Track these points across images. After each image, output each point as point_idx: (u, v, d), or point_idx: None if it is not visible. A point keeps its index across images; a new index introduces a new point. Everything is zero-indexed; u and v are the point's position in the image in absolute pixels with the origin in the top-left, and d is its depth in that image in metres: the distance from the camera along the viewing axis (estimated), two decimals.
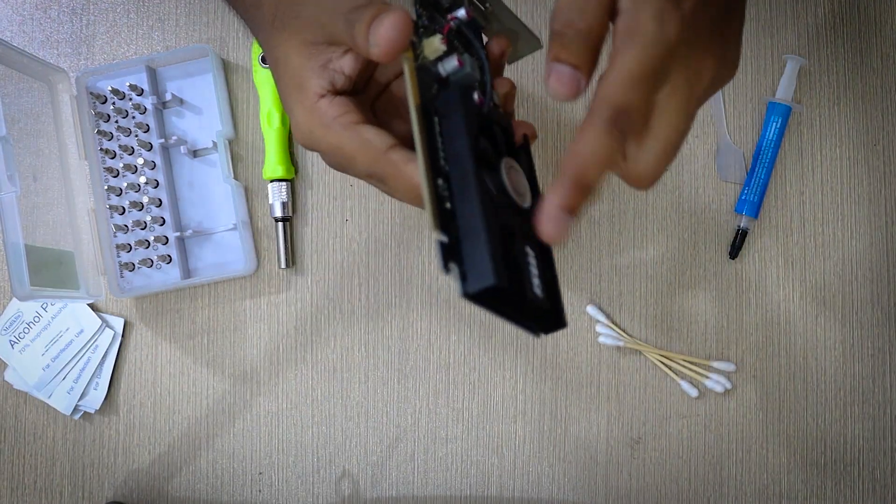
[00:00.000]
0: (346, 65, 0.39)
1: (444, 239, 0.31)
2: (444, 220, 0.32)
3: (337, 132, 0.38)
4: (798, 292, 0.52)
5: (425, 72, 0.36)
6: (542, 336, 0.35)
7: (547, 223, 0.32)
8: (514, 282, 0.32)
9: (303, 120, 0.39)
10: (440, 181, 0.33)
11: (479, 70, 0.37)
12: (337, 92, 0.39)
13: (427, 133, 0.34)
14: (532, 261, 0.34)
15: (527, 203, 0.35)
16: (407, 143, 0.37)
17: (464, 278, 0.31)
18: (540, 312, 0.34)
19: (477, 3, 0.38)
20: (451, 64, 0.35)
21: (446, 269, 0.31)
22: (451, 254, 0.31)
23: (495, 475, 0.53)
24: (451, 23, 0.36)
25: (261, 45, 0.43)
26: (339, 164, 0.40)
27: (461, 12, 0.37)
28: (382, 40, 0.34)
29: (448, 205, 0.32)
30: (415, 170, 0.35)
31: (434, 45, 0.35)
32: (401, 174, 0.37)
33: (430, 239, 0.54)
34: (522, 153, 0.37)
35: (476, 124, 0.34)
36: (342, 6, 0.37)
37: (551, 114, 0.54)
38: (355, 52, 0.38)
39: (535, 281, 0.33)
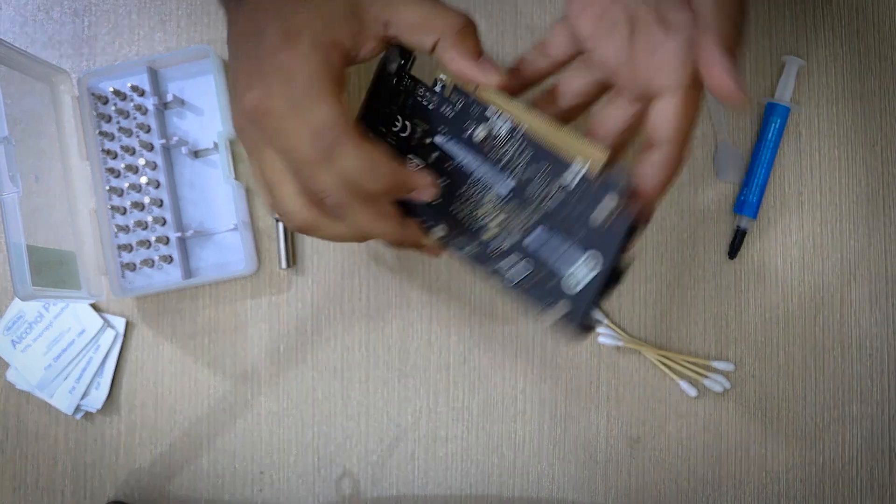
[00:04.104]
0: (368, 47, 0.40)
1: None
2: None
3: (337, 98, 0.38)
4: (797, 292, 0.53)
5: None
6: (578, 331, 0.40)
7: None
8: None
9: (316, 61, 0.37)
10: None
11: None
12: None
13: None
14: None
15: None
16: None
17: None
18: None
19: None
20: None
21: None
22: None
23: (495, 475, 0.53)
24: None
25: None
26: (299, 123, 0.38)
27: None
28: (495, 80, 0.40)
29: None
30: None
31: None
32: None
33: None
34: None
35: None
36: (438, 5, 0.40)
37: None
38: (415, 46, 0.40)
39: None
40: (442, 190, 0.42)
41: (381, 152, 0.38)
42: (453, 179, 0.42)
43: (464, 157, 0.42)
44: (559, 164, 0.40)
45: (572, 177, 0.40)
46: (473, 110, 0.42)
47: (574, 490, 0.53)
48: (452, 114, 0.42)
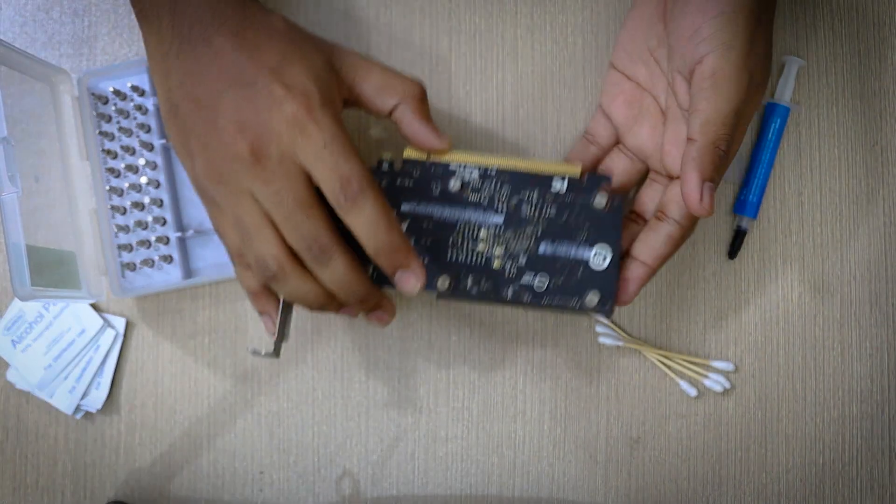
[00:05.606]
0: (340, 107, 0.42)
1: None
2: None
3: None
4: (797, 292, 0.53)
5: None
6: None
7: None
8: None
9: (332, 115, 0.40)
10: None
11: None
12: None
13: None
14: None
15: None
16: None
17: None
18: None
19: None
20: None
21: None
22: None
23: (495, 475, 0.53)
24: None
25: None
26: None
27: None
28: (444, 145, 0.44)
29: None
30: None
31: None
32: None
33: None
34: None
35: None
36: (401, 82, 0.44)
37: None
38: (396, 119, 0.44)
39: None
40: (431, 245, 0.45)
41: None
42: (438, 234, 0.45)
43: (441, 211, 0.45)
44: (543, 182, 0.44)
45: (560, 184, 0.44)
46: (436, 171, 0.45)
47: (574, 490, 0.53)
48: (412, 183, 0.45)
